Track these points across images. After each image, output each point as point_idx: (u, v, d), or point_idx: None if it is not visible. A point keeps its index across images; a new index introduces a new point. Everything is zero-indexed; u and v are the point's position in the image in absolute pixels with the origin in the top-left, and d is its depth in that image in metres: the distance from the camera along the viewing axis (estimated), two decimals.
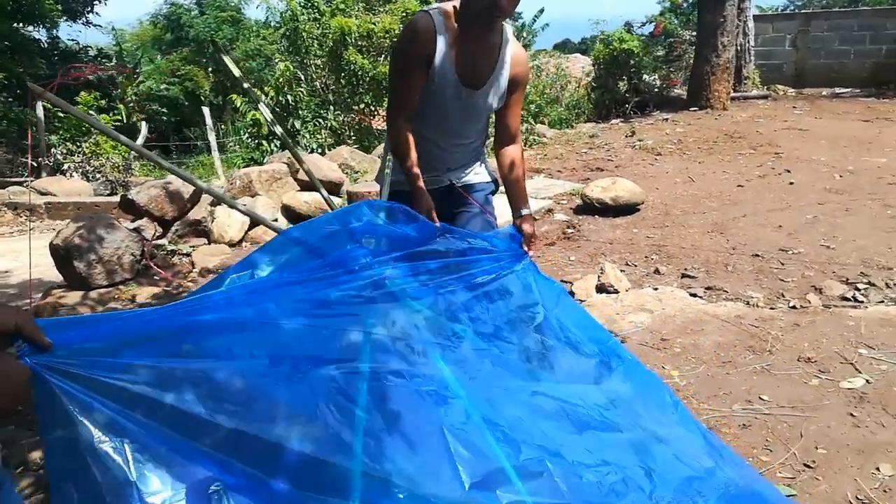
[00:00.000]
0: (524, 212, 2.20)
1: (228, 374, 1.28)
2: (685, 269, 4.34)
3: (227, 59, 2.25)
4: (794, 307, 3.68)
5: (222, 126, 15.51)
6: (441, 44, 2.07)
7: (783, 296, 3.86)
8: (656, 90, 11.62)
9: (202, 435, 1.20)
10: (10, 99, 12.29)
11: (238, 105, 13.68)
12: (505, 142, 2.28)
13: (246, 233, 5.33)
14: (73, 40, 16.96)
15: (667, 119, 10.07)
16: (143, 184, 5.18)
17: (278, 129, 2.09)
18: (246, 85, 2.27)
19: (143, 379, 1.18)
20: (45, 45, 14.75)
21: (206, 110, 11.66)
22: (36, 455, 2.51)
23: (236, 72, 2.23)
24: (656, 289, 4.00)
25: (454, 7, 2.09)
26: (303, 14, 12.34)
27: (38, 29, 13.88)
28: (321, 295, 1.49)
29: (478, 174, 2.41)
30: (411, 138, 2.12)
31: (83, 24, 15.79)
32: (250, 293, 1.40)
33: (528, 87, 8.95)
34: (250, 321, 1.36)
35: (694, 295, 3.91)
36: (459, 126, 2.24)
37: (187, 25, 24.19)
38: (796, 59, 13.16)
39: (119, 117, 10.99)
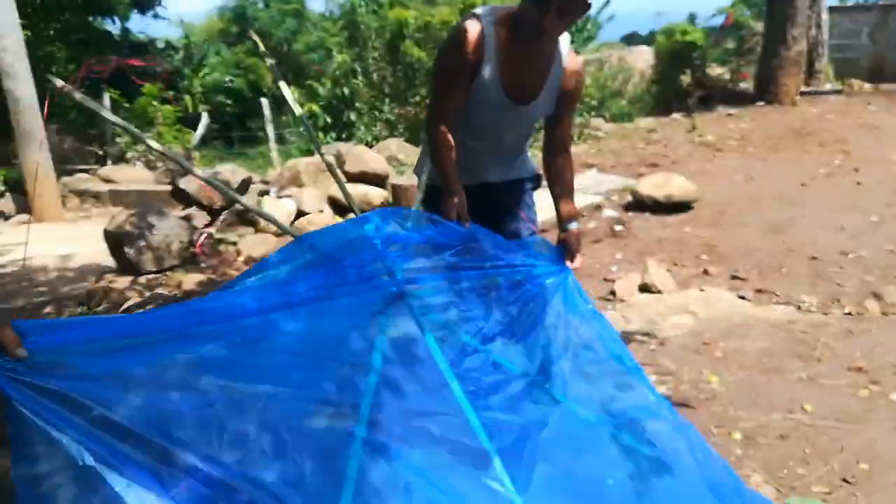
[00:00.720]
0: (571, 226, 2.07)
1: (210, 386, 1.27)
2: (736, 271, 4.16)
3: (260, 44, 2.28)
4: (849, 314, 3.48)
5: (282, 117, 15.81)
6: (489, 54, 1.96)
7: (839, 301, 3.65)
8: (721, 84, 11.19)
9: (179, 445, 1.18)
10: (81, 89, 12.82)
11: (295, 97, 13.92)
12: (554, 151, 2.16)
13: (292, 223, 5.39)
14: (141, 33, 17.58)
15: (731, 114, 9.69)
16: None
17: (297, 108, 2.07)
18: (270, 61, 2.28)
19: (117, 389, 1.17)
20: (117, 38, 15.29)
21: (264, 102, 11.89)
22: None
23: (270, 61, 2.25)
24: (703, 290, 3.85)
25: (509, 13, 1.97)
26: (361, 6, 12.44)
27: (109, 21, 14.41)
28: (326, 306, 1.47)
29: (519, 169, 2.30)
30: (449, 140, 2.03)
31: (152, 16, 16.30)
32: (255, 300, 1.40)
33: (587, 80, 8.69)
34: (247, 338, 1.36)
35: (742, 297, 3.75)
36: (508, 138, 2.15)
37: (252, 18, 24.79)
38: (873, 53, 12.46)
39: (179, 109, 11.30)
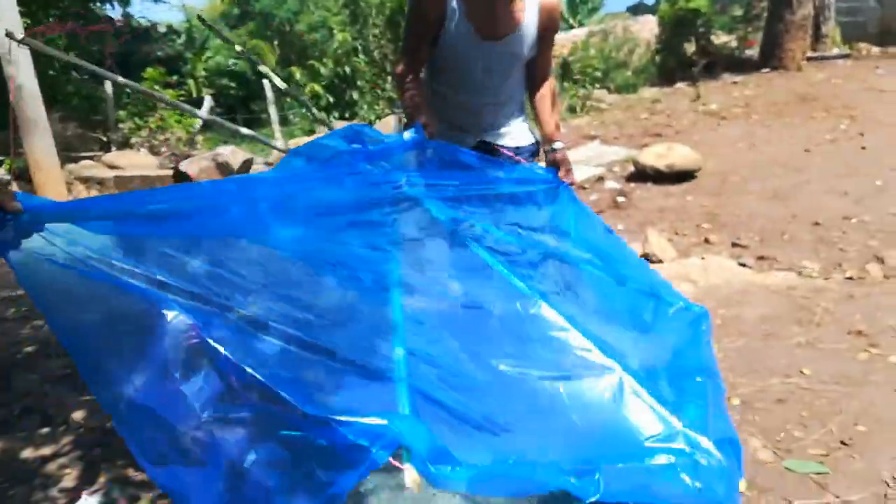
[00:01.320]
0: (556, 146, 2.16)
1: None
2: (737, 239, 4.15)
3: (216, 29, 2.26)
4: (850, 278, 3.47)
5: (286, 99, 15.78)
6: (452, 2, 2.03)
7: (840, 266, 3.64)
8: (726, 51, 11.03)
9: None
10: (84, 76, 12.81)
11: (298, 78, 13.88)
12: (536, 83, 2.27)
13: None
14: (143, 17, 17.53)
15: (736, 82, 9.57)
16: (195, 156, 5.32)
17: (278, 82, 2.08)
18: (237, 51, 2.27)
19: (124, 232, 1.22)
20: (120, 23, 15.26)
21: (266, 83, 11.85)
22: (79, 415, 2.64)
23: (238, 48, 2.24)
24: (703, 258, 3.84)
25: None
26: None
27: (110, 6, 14.36)
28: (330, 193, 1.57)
29: (516, 137, 2.31)
30: (411, 76, 2.11)
31: (153, 1, 16.26)
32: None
33: (591, 51, 8.66)
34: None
35: (743, 265, 3.74)
36: (485, 81, 2.16)
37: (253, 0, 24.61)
38: (881, 15, 12.21)
39: (182, 93, 11.31)
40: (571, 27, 21.79)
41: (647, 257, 3.84)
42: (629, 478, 1.27)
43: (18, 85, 7.45)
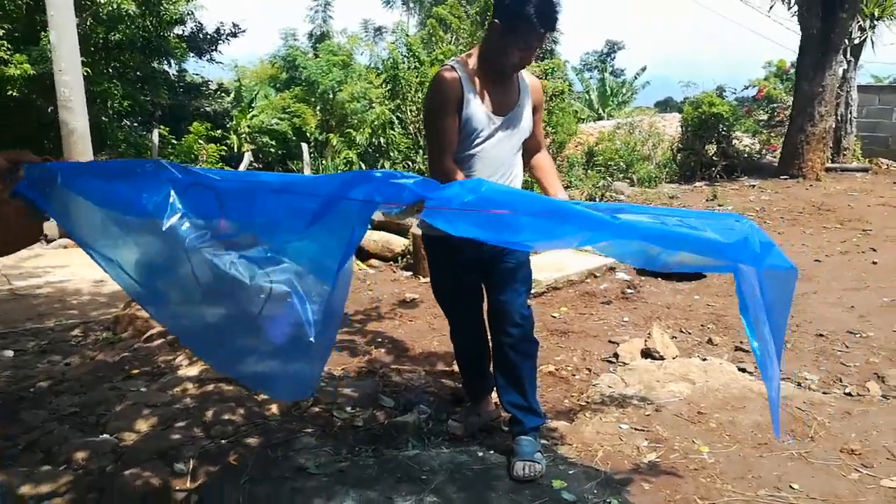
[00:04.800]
0: (562, 192, 2.60)
1: None
2: (740, 343, 4.22)
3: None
4: (849, 394, 3.51)
5: (323, 161, 16.28)
6: (467, 88, 2.42)
7: (840, 380, 3.68)
8: (746, 155, 11.32)
9: None
10: (134, 124, 13.44)
11: (335, 144, 14.36)
12: (532, 152, 2.71)
13: None
14: (197, 74, 18.38)
15: (754, 185, 9.79)
16: None
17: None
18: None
19: None
20: (174, 78, 16.06)
21: (304, 146, 12.31)
22: (81, 455, 2.74)
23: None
24: (705, 359, 3.91)
25: (471, 54, 2.52)
26: (403, 62, 12.92)
27: (166, 62, 15.15)
28: None
29: None
30: (458, 172, 2.41)
31: (207, 60, 17.11)
32: None
33: (617, 143, 9.06)
34: None
35: (743, 370, 3.80)
36: (501, 157, 2.54)
37: (301, 67, 25.74)
38: None
39: (224, 148, 11.77)
40: (600, 117, 22.44)
41: (648, 353, 3.92)
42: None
43: (71, 129, 7.92)
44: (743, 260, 1.58)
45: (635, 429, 3.05)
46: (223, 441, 2.92)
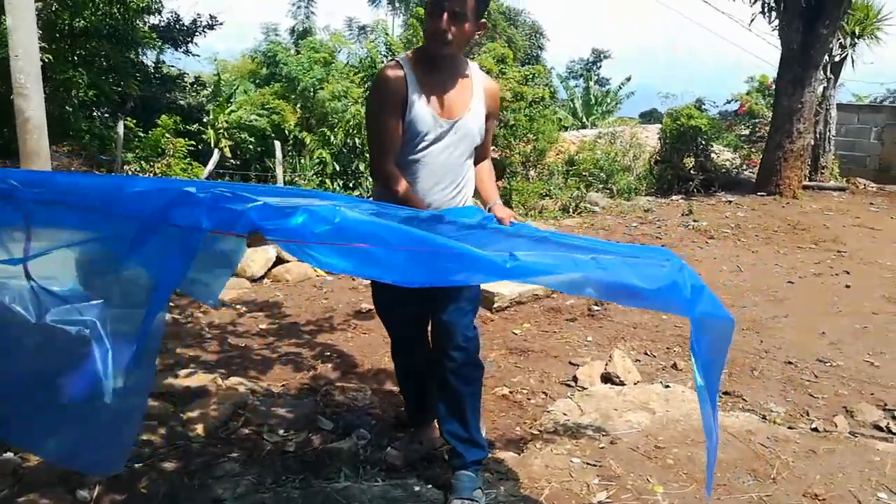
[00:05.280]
0: (497, 202, 2.40)
1: None
2: None
3: None
4: (815, 429, 3.33)
5: (301, 160, 15.99)
6: (412, 87, 2.22)
7: (808, 414, 3.51)
8: (724, 170, 11.22)
9: None
10: (105, 115, 13.01)
11: (308, 143, 14.09)
12: (476, 161, 2.51)
13: (269, 270, 5.33)
14: (173, 66, 17.98)
15: (730, 201, 9.67)
16: None
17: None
18: None
19: None
20: (150, 69, 15.65)
21: (277, 144, 12.01)
22: None
23: None
24: (667, 386, 3.72)
25: (417, 49, 2.33)
26: (382, 62, 12.70)
27: (141, 53, 14.72)
28: None
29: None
30: (398, 175, 2.25)
31: (183, 52, 16.72)
32: None
33: (597, 153, 8.99)
34: None
35: None
36: (448, 163, 2.33)
37: (282, 63, 25.39)
38: (881, 153, 12.50)
39: (192, 143, 11.40)
40: (584, 126, 22.37)
41: (608, 378, 3.72)
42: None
43: (27, 118, 7.53)
44: (670, 307, 1.38)
45: (587, 463, 2.85)
46: (137, 465, 2.67)
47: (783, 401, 3.67)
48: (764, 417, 3.45)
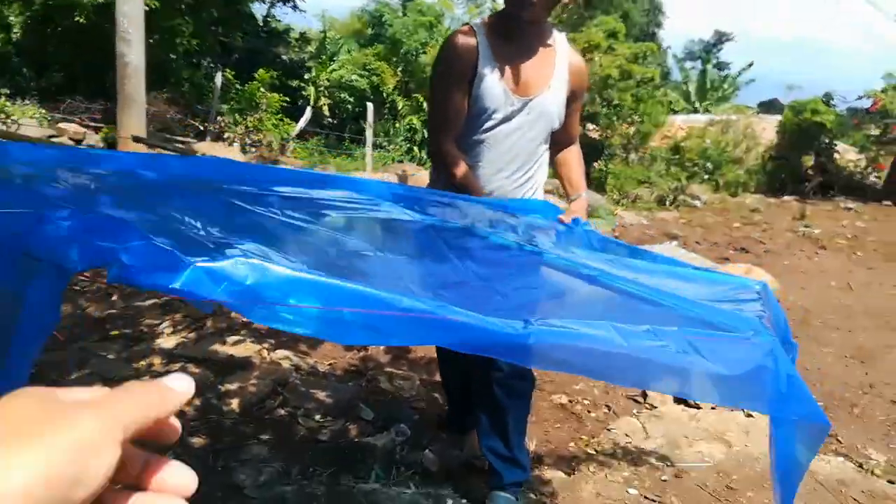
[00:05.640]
0: (580, 195, 2.12)
1: None
2: None
3: None
4: None
5: (395, 124, 15.95)
6: (484, 55, 1.94)
7: None
8: (846, 173, 10.23)
9: None
10: (210, 64, 13.36)
11: (400, 108, 13.97)
12: (561, 146, 2.24)
13: None
14: (279, 20, 18.32)
15: (850, 208, 8.80)
16: None
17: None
18: None
19: None
20: (260, 22, 16.00)
21: (370, 106, 11.97)
22: None
23: None
24: (750, 416, 3.31)
25: (496, 15, 2.03)
26: None
27: (249, 4, 15.00)
28: None
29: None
30: (458, 154, 2.00)
31: (291, 7, 16.98)
32: None
33: (706, 142, 8.30)
34: None
35: None
36: (518, 146, 2.05)
37: (387, 24, 25.38)
38: None
39: (286, 99, 11.50)
40: (696, 111, 21.16)
41: (683, 399, 3.35)
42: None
43: (126, 62, 7.76)
44: (748, 401, 1.03)
45: (646, 497, 2.54)
46: None
47: (885, 448, 3.19)
48: (861, 466, 3.00)
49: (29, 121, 8.98)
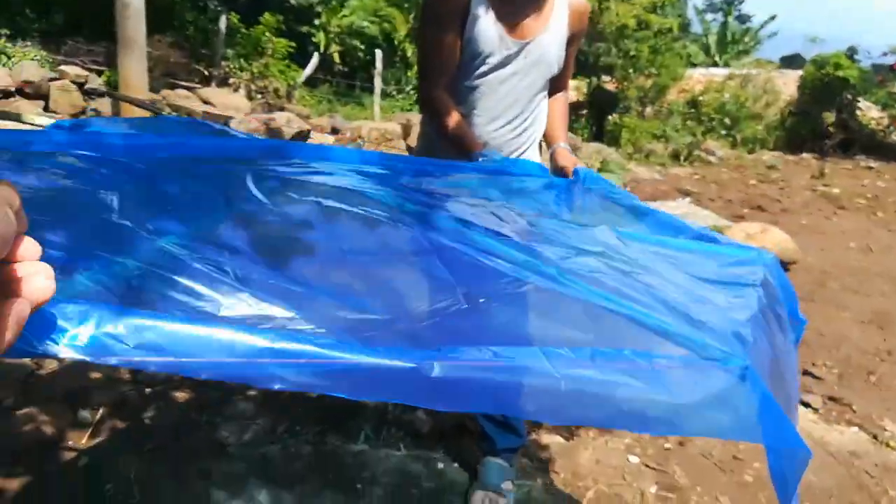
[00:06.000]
0: (561, 145, 1.92)
1: None
2: (812, 365, 3.45)
3: None
4: None
5: (407, 73, 15.55)
6: None
7: None
8: (868, 130, 9.88)
9: None
10: (217, 7, 12.99)
11: (409, 55, 13.58)
12: (551, 94, 2.03)
13: None
14: None
15: (871, 167, 8.51)
16: (250, 114, 5.07)
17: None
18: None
19: None
20: None
21: (378, 54, 11.64)
22: None
23: None
24: None
25: None
26: None
27: None
28: None
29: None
30: (450, 102, 1.81)
31: None
32: None
33: (725, 96, 7.96)
34: None
35: (807, 405, 3.06)
36: (514, 93, 1.87)
37: None
38: None
39: (294, 44, 11.16)
40: (715, 64, 20.56)
41: None
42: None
43: (125, 3, 7.48)
44: (714, 432, 0.88)
45: (647, 465, 2.43)
46: (148, 390, 2.49)
47: None
48: (875, 437, 2.88)
49: (29, 63, 8.76)
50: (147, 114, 4.13)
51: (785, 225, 5.20)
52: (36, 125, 2.50)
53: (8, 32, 9.24)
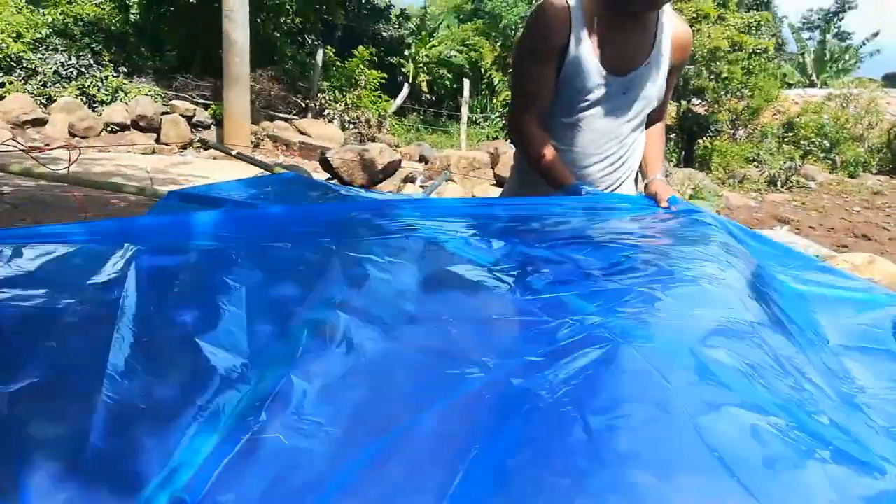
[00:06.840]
0: (657, 177, 1.85)
1: None
2: None
3: None
4: None
5: (494, 101, 15.80)
6: (577, 28, 1.71)
7: None
8: None
9: None
10: (314, 42, 13.66)
11: (496, 83, 13.78)
12: (648, 124, 1.96)
13: None
14: None
15: None
16: (343, 146, 5.30)
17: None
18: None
19: None
20: (362, 0, 16.19)
21: (466, 83, 11.88)
22: None
23: None
24: None
25: None
26: None
27: None
28: None
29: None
30: (545, 136, 1.77)
31: None
32: None
33: (824, 118, 7.46)
34: None
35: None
36: (610, 130, 1.84)
37: None
38: None
39: (385, 75, 11.58)
40: (813, 84, 19.73)
41: None
42: None
43: (232, 41, 8.04)
44: None
45: None
46: None
47: None
48: None
49: (144, 98, 9.50)
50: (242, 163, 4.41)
51: (894, 255, 4.92)
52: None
53: (126, 70, 10.06)
